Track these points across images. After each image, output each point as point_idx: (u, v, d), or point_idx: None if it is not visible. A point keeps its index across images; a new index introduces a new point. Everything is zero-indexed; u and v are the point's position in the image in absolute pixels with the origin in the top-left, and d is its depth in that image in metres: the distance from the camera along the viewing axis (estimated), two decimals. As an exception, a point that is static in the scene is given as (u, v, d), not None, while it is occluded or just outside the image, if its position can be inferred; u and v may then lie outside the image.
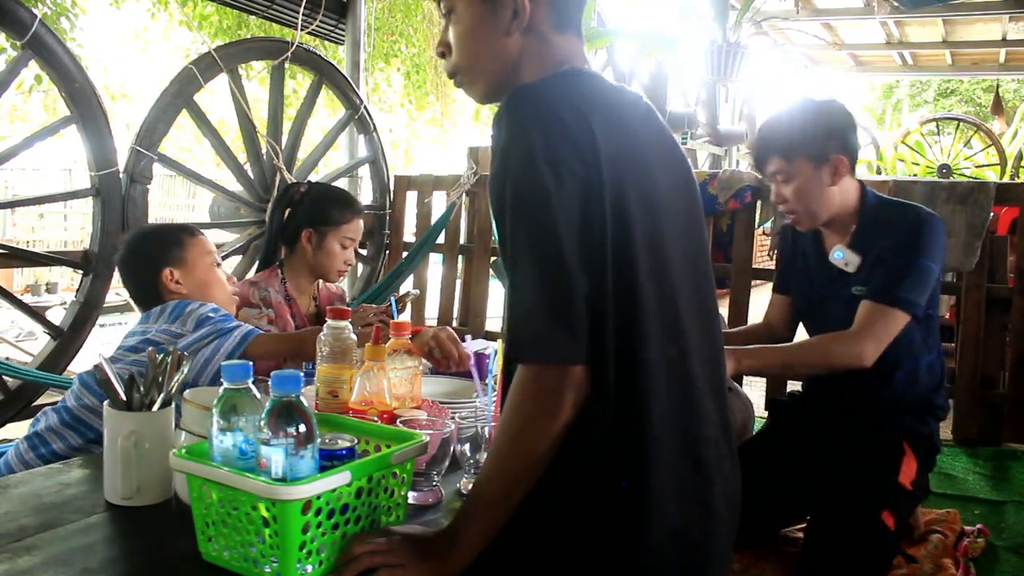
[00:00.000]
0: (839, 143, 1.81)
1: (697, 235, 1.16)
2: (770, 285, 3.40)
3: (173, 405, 1.25)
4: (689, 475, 1.03)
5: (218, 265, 1.93)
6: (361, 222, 2.35)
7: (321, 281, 2.40)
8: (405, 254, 4.05)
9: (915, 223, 1.78)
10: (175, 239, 1.88)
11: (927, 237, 1.77)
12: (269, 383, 0.99)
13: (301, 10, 3.71)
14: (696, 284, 1.11)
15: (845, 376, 1.79)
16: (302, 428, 0.97)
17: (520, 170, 0.96)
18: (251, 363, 1.05)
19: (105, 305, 3.06)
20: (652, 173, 1.07)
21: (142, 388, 1.22)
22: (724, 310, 3.05)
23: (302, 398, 0.99)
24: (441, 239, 4.00)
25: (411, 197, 4.20)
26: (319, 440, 1.01)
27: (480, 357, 1.87)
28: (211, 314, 1.74)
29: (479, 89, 1.19)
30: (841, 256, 1.84)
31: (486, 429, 1.32)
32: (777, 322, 2.11)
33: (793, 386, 3.32)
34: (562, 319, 0.95)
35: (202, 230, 1.95)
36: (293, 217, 2.31)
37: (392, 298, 2.19)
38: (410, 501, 1.21)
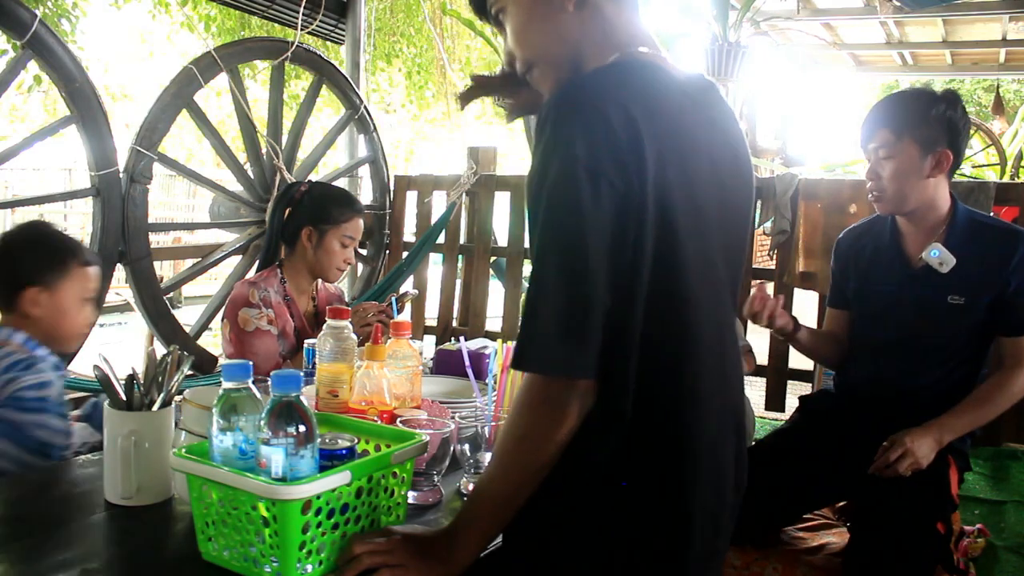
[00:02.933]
0: (950, 139, 1.82)
1: (741, 240, 1.13)
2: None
3: (173, 405, 1.25)
4: (708, 494, 1.03)
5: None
6: (361, 221, 2.36)
7: (320, 281, 2.40)
8: (405, 254, 4.04)
9: None
10: (59, 261, 1.72)
11: None
12: (269, 383, 0.99)
13: (301, 10, 3.71)
14: (732, 297, 1.10)
15: (915, 394, 1.87)
16: (302, 428, 0.97)
17: (558, 177, 0.93)
18: (251, 363, 1.05)
19: (105, 305, 3.07)
20: (704, 181, 1.02)
21: (142, 388, 1.22)
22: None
23: (302, 398, 0.99)
24: (441, 239, 4.00)
25: (411, 197, 4.19)
26: (319, 440, 1.01)
27: (479, 357, 1.88)
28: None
29: (552, 80, 1.13)
30: (938, 255, 1.83)
31: (486, 429, 1.33)
32: (840, 332, 2.10)
33: (797, 386, 3.32)
34: (574, 333, 0.93)
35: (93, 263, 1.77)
36: (294, 216, 2.31)
37: (392, 297, 2.19)
38: (410, 501, 1.21)
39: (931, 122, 1.80)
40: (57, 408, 1.62)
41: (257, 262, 2.52)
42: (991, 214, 3.22)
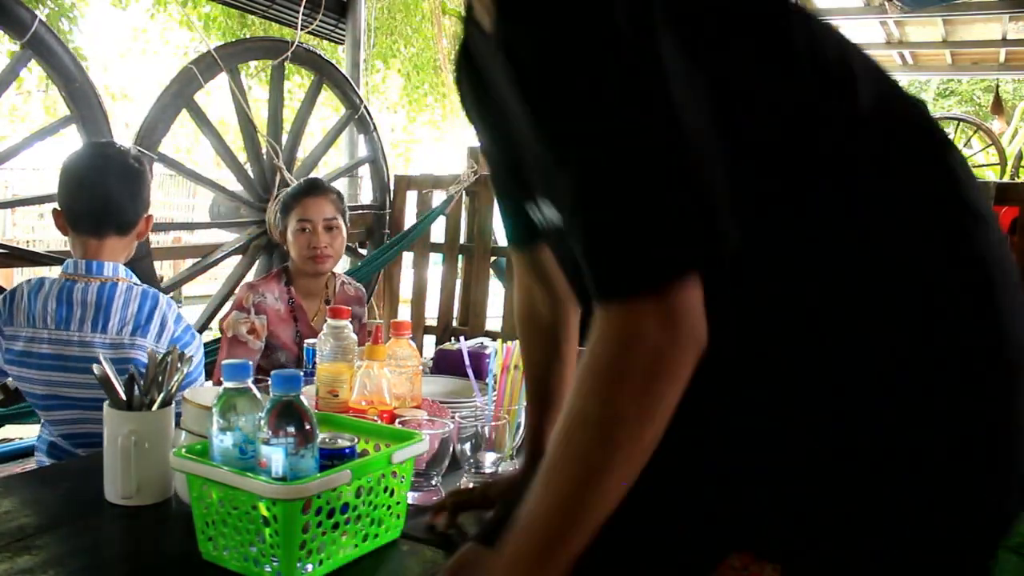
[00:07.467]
0: None
1: None
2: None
3: (173, 405, 1.25)
4: None
5: None
6: (317, 200, 2.28)
7: (340, 282, 2.38)
8: (405, 254, 4.05)
9: None
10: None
11: None
12: (269, 383, 0.99)
13: (301, 10, 3.71)
14: None
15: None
16: (302, 427, 0.97)
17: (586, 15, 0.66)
18: (251, 363, 1.05)
19: (105, 305, 3.06)
20: None
21: (142, 388, 1.22)
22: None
23: (302, 397, 0.99)
24: (441, 239, 4.00)
25: (411, 197, 4.20)
26: (319, 439, 1.01)
27: (480, 357, 1.88)
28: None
29: None
30: None
31: (486, 429, 1.32)
32: None
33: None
34: (690, 197, 0.63)
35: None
36: (277, 222, 2.36)
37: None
38: (410, 501, 1.21)
39: None
40: None
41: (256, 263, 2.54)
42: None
